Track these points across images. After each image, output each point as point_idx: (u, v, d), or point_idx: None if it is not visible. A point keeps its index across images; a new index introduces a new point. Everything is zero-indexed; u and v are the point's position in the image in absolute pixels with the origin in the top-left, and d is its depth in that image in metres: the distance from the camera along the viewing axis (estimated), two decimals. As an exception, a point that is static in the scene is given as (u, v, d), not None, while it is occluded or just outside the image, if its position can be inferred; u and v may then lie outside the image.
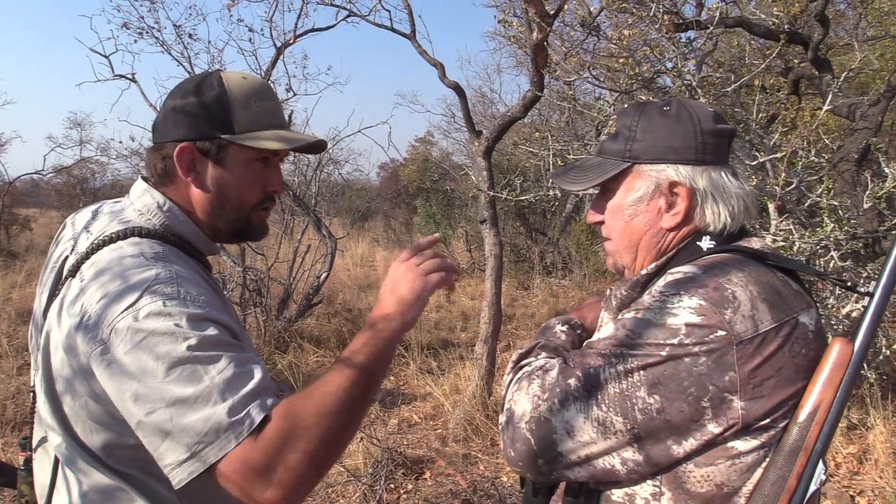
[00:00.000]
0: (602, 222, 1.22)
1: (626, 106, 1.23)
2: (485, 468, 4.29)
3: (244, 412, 0.97)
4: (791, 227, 3.61)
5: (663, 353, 0.97)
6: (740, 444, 0.98)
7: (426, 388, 5.61)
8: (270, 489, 0.95)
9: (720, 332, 0.95)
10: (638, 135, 1.14)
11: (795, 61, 5.65)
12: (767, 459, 0.99)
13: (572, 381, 1.02)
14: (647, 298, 1.05)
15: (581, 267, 10.89)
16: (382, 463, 3.97)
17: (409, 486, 3.99)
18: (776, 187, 3.53)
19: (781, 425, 0.99)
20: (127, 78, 6.93)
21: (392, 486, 3.95)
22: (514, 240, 11.89)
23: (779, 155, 3.63)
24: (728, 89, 4.11)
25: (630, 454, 0.99)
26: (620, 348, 1.00)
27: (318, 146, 1.33)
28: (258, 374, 1.02)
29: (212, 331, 1.04)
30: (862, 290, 1.05)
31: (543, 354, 1.17)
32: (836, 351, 0.99)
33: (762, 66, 4.56)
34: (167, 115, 1.22)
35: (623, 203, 1.17)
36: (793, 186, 3.61)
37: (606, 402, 0.99)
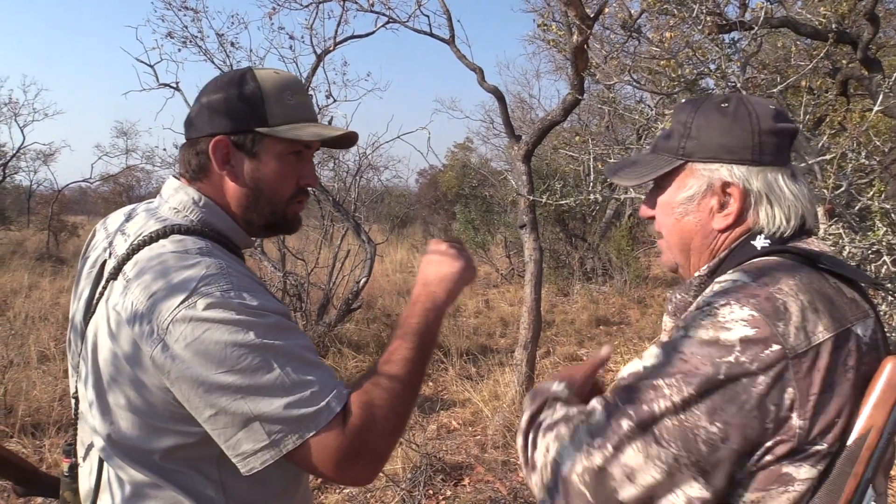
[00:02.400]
0: (653, 217, 1.19)
1: (683, 101, 1.18)
2: (524, 475, 4.24)
3: (324, 402, 1.03)
4: (841, 231, 3.50)
5: (720, 377, 0.90)
6: (794, 470, 0.92)
7: (465, 394, 5.58)
8: (359, 468, 1.05)
9: (775, 347, 0.89)
10: (693, 132, 1.10)
11: (843, 62, 5.51)
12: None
13: (624, 423, 0.93)
14: (695, 311, 0.98)
15: (622, 273, 10.77)
16: (421, 468, 3.96)
17: (448, 493, 3.97)
18: (825, 190, 3.44)
19: (835, 449, 0.92)
20: (171, 87, 7.06)
21: (431, 491, 3.93)
22: (554, 245, 11.81)
23: (827, 157, 3.53)
24: (774, 90, 4.02)
25: (696, 491, 0.91)
26: (672, 376, 0.93)
27: (349, 139, 1.33)
28: (320, 360, 1.08)
29: (272, 318, 1.06)
30: None
31: (559, 405, 1.09)
32: (888, 370, 0.92)
33: (809, 66, 4.45)
34: (201, 111, 1.22)
35: (674, 200, 1.13)
36: (842, 189, 3.50)
37: (666, 437, 0.91)
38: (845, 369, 0.92)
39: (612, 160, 5.63)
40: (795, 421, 0.90)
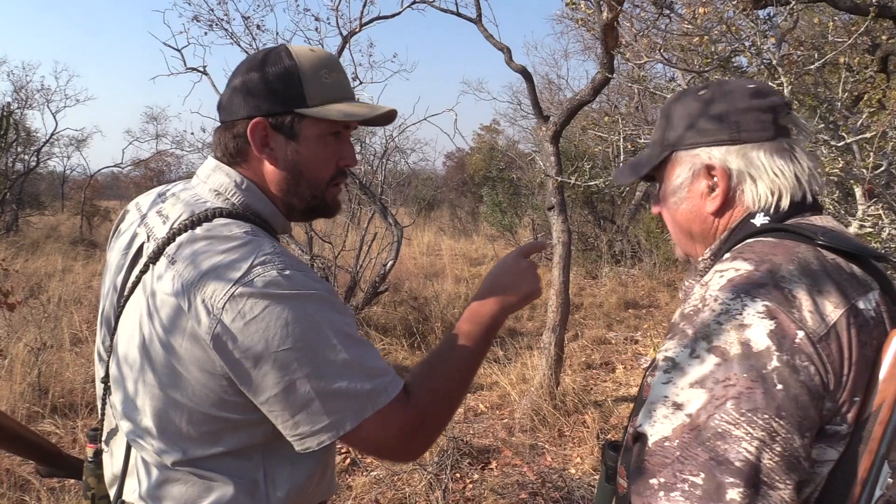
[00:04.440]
0: (661, 213, 1.21)
1: (669, 97, 1.19)
2: (552, 459, 4.23)
3: (381, 383, 1.04)
4: (880, 211, 3.40)
5: (779, 387, 0.85)
6: (816, 454, 0.90)
7: (493, 378, 5.57)
8: (413, 448, 1.11)
9: (801, 333, 0.87)
10: (673, 122, 1.13)
11: (883, 37, 5.34)
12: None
13: (731, 493, 0.83)
14: (706, 312, 0.93)
15: (651, 256, 10.65)
16: (448, 452, 3.94)
17: (476, 476, 3.96)
18: (864, 170, 3.33)
19: (852, 429, 0.90)
20: (198, 71, 7.08)
21: (458, 475, 3.92)
22: (582, 228, 11.72)
23: (867, 135, 3.42)
24: (811, 67, 3.90)
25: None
26: (733, 412, 0.85)
27: (388, 117, 1.29)
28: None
29: (328, 296, 1.06)
30: None
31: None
32: (895, 342, 0.90)
33: (847, 42, 4.31)
34: (236, 92, 1.18)
35: (668, 191, 1.15)
36: (882, 169, 3.40)
37: (777, 478, 0.84)
38: (860, 345, 0.90)
39: (641, 140, 5.54)
40: (827, 403, 0.88)
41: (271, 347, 0.99)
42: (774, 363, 0.86)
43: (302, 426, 1.02)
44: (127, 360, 1.12)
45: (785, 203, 1.05)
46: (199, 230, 1.09)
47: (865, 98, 4.67)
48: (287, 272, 1.03)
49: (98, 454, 1.27)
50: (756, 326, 0.88)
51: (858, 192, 3.38)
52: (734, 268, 0.96)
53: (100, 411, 1.25)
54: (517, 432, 4.63)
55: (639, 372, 6.08)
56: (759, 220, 1.06)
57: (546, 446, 4.41)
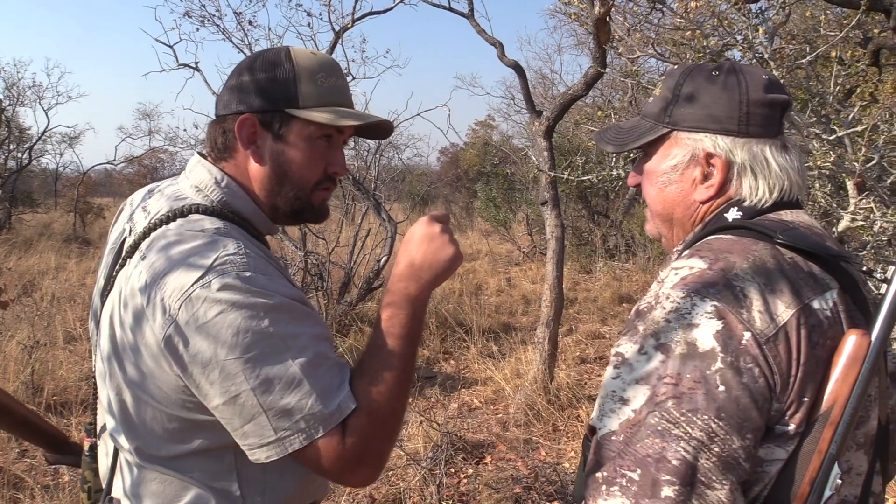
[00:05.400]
0: (640, 184, 1.17)
1: (675, 67, 1.14)
2: (546, 454, 4.24)
3: (335, 405, 1.00)
4: (872, 205, 3.41)
5: (720, 388, 0.85)
6: (764, 453, 0.90)
7: (487, 373, 5.57)
8: (364, 471, 1.04)
9: (747, 335, 0.87)
10: (680, 99, 1.08)
11: (875, 31, 5.34)
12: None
13: (666, 490, 0.84)
14: (658, 310, 0.92)
15: (645, 250, 10.66)
16: (442, 447, 3.95)
17: (470, 471, 3.97)
18: (855, 163, 3.34)
19: (802, 429, 0.90)
20: (191, 67, 7.07)
21: (452, 470, 3.93)
22: (576, 223, 11.73)
23: (858, 129, 3.43)
24: (803, 61, 3.91)
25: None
26: (673, 410, 0.85)
27: (384, 128, 1.27)
28: (333, 353, 1.05)
29: (289, 304, 1.02)
30: (879, 275, 0.94)
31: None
32: (850, 344, 0.89)
33: (839, 36, 4.31)
34: (231, 89, 1.17)
35: (658, 169, 1.11)
36: (874, 163, 3.40)
37: (714, 478, 0.84)
38: (811, 345, 0.90)
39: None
40: (774, 404, 0.89)
41: (219, 355, 0.97)
42: (718, 364, 0.86)
43: (250, 437, 1.00)
44: (105, 355, 1.12)
45: (772, 199, 1.05)
46: (172, 226, 1.09)
47: (857, 91, 4.68)
48: (247, 274, 1.00)
49: (94, 448, 1.28)
50: (703, 327, 0.88)
51: (850, 185, 3.39)
52: (689, 265, 0.95)
53: (92, 406, 1.25)
54: (511, 427, 4.64)
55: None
56: (732, 214, 1.05)
57: (540, 441, 4.41)
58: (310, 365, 0.99)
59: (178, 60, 7.07)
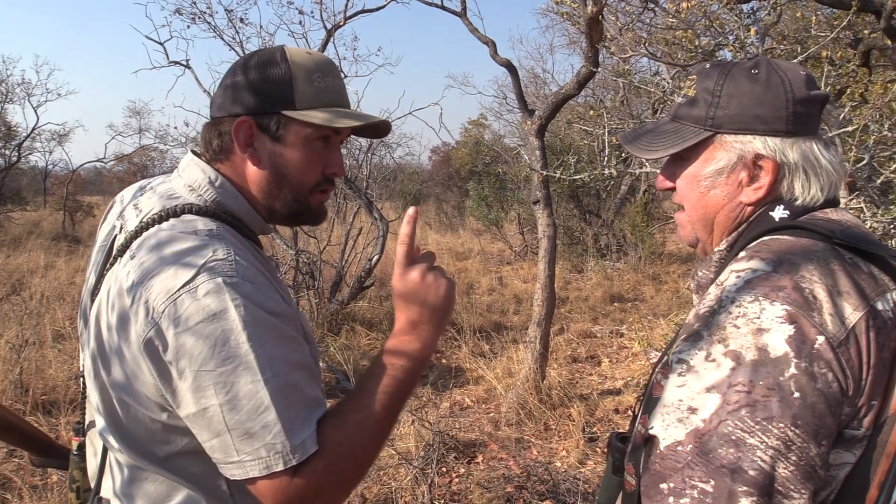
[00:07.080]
0: (673, 189, 1.12)
1: (707, 66, 1.10)
2: (538, 453, 4.24)
3: (300, 442, 0.97)
4: (862, 205, 3.42)
5: (796, 395, 0.83)
6: (833, 457, 0.88)
7: (478, 372, 5.57)
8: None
9: (820, 339, 0.84)
10: (722, 101, 1.03)
11: (865, 32, 5.36)
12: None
13: (743, 502, 0.81)
14: (722, 312, 0.90)
15: (636, 249, 10.69)
16: (434, 446, 3.94)
17: (461, 470, 3.96)
18: (846, 163, 3.36)
19: (870, 432, 0.88)
20: (181, 64, 7.04)
21: (444, 469, 3.93)
22: (568, 222, 11.73)
23: (849, 129, 3.44)
24: (793, 62, 3.92)
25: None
26: (748, 419, 0.83)
27: (382, 128, 1.26)
28: (309, 384, 1.02)
29: (272, 321, 1.00)
30: None
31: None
32: None
33: (830, 37, 4.33)
34: (226, 90, 1.16)
35: (701, 174, 1.06)
36: (864, 163, 3.42)
37: (792, 487, 0.82)
38: (878, 347, 0.87)
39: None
40: (845, 409, 0.86)
41: (193, 364, 0.95)
42: (792, 370, 0.83)
43: (217, 452, 0.98)
44: (93, 353, 1.11)
45: (823, 198, 1.01)
46: (164, 225, 1.07)
47: (848, 92, 4.69)
48: (234, 280, 0.98)
49: (82, 447, 1.26)
50: (775, 331, 0.85)
51: (841, 184, 3.40)
52: (751, 268, 0.92)
53: (81, 404, 1.24)
54: (503, 426, 4.64)
55: (624, 365, 6.10)
56: (779, 213, 1.01)
57: (532, 440, 4.42)
58: (280, 392, 0.96)
59: (168, 58, 7.05)
